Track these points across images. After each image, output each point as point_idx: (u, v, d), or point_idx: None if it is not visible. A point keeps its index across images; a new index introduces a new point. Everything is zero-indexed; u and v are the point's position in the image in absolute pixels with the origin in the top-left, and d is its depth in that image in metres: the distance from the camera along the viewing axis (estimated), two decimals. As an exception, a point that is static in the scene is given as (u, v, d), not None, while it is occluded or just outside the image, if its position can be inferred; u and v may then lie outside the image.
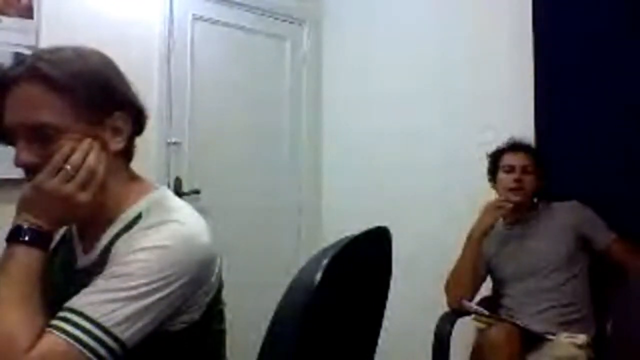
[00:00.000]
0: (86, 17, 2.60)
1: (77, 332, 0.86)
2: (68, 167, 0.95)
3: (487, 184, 2.40)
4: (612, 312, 2.12)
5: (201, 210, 1.05)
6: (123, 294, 0.89)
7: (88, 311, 0.88)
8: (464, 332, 2.26)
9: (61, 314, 0.89)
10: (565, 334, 2.06)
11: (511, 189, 2.27)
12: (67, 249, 1.11)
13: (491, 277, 2.39)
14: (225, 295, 1.09)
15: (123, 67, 1.06)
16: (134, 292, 0.90)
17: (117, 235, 1.00)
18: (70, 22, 2.53)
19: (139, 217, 1.01)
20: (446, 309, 2.29)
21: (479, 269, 2.31)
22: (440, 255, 2.47)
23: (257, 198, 3.23)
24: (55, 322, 0.88)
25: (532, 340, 2.07)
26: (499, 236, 2.36)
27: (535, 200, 2.37)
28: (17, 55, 2.31)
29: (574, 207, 2.26)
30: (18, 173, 1.01)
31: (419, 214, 2.95)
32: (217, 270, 1.03)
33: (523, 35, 2.55)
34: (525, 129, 2.46)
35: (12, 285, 0.90)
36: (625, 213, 2.23)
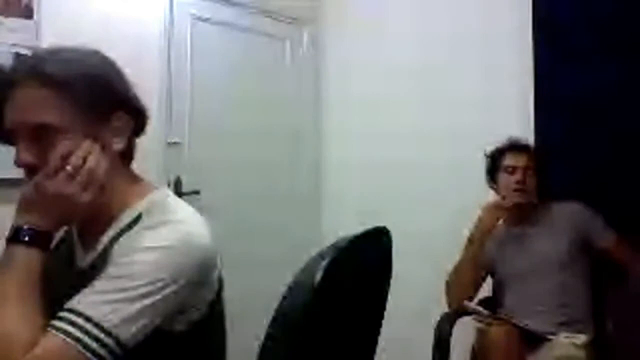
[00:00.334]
0: (86, 17, 2.60)
1: (77, 333, 0.86)
2: (69, 167, 0.95)
3: (485, 185, 2.39)
4: (612, 312, 2.12)
5: (201, 210, 1.05)
6: (123, 295, 0.89)
7: (88, 312, 0.88)
8: (464, 332, 2.26)
9: (61, 314, 0.89)
10: (565, 334, 2.06)
11: (515, 190, 2.26)
12: (67, 249, 1.11)
13: (491, 277, 2.39)
14: (225, 294, 1.09)
15: (123, 66, 1.06)
16: (134, 293, 0.90)
17: (117, 236, 1.00)
18: (70, 22, 2.53)
19: (139, 217, 1.01)
20: (446, 308, 2.29)
21: (479, 270, 2.31)
22: (441, 256, 2.47)
23: (257, 198, 3.23)
24: (55, 322, 0.88)
25: (532, 340, 2.07)
26: (500, 236, 2.35)
27: (535, 200, 2.37)
28: (18, 55, 2.32)
29: (574, 208, 2.26)
30: (18, 173, 1.01)
31: (419, 214, 2.95)
32: (217, 270, 1.03)
33: (525, 41, 2.55)
34: (525, 130, 2.46)
35: (12, 285, 0.90)
36: (625, 213, 2.23)
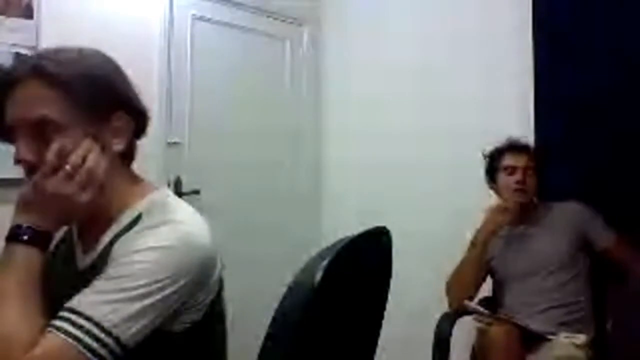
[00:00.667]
0: (86, 17, 2.60)
1: (78, 332, 0.86)
2: (68, 167, 0.95)
3: (486, 185, 2.40)
4: (612, 312, 2.12)
5: (201, 210, 1.05)
6: (123, 295, 0.89)
7: (88, 311, 0.88)
8: (464, 332, 2.26)
9: (61, 314, 0.89)
10: (565, 334, 2.06)
11: (515, 190, 2.26)
12: (67, 249, 1.11)
13: (491, 277, 2.38)
14: (225, 295, 1.09)
15: (123, 67, 1.07)
16: (134, 293, 0.89)
17: (117, 236, 1.00)
18: (70, 22, 2.53)
19: (139, 217, 1.01)
20: (446, 308, 2.29)
21: (481, 270, 2.31)
22: (441, 256, 2.47)
23: (257, 198, 3.23)
24: (55, 322, 0.88)
25: (532, 340, 2.07)
26: (500, 237, 2.35)
27: (535, 200, 2.37)
28: (18, 55, 2.32)
29: (574, 207, 2.26)
30: (18, 173, 1.01)
31: (419, 214, 2.95)
32: (217, 270, 1.03)
33: (525, 41, 2.55)
34: (525, 130, 2.46)
35: (12, 285, 0.90)
36: (625, 213, 2.23)
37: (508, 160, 2.30)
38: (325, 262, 0.94)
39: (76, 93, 0.97)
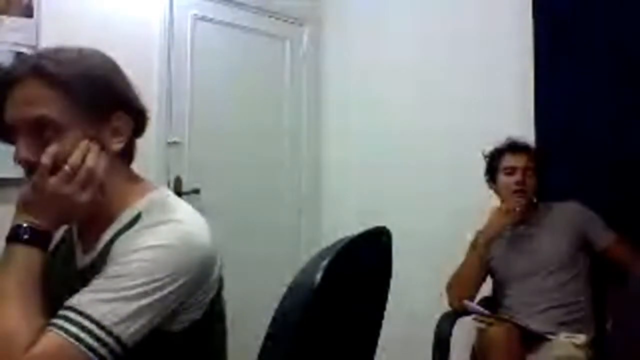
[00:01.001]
0: (86, 17, 2.60)
1: (78, 331, 0.86)
2: (67, 167, 0.95)
3: (485, 185, 2.40)
4: (612, 312, 2.12)
5: (201, 210, 1.05)
6: (123, 293, 0.89)
7: (88, 310, 0.88)
8: (464, 332, 2.26)
9: (61, 312, 0.89)
10: (565, 334, 2.06)
11: (515, 192, 2.26)
12: (67, 249, 1.11)
13: (491, 277, 2.38)
14: (225, 294, 1.09)
15: (123, 66, 1.07)
16: (133, 292, 0.90)
17: (117, 235, 1.00)
18: (70, 21, 2.53)
19: (138, 216, 1.01)
20: (446, 308, 2.29)
21: (482, 271, 2.31)
22: (440, 256, 2.47)
23: (257, 198, 3.23)
24: (55, 320, 0.88)
25: (532, 340, 2.06)
26: (500, 237, 2.35)
27: (535, 200, 2.37)
28: (18, 54, 2.32)
29: (574, 208, 2.26)
30: (18, 172, 1.01)
31: (419, 214, 2.95)
32: (217, 269, 1.03)
33: (525, 42, 2.55)
34: (525, 131, 2.46)
35: (12, 284, 0.90)
36: (625, 213, 2.23)
37: (508, 161, 2.30)
38: (325, 262, 0.94)
39: (76, 93, 0.97)
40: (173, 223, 0.97)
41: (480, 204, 2.33)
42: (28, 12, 2.43)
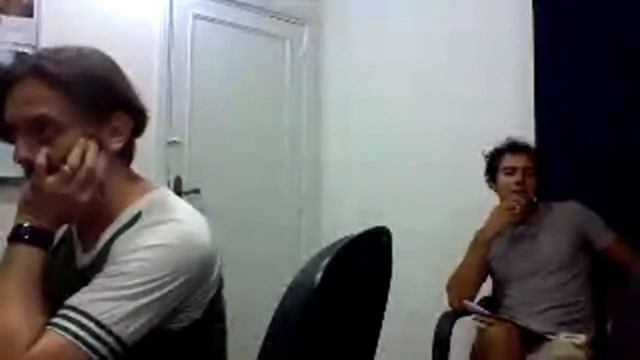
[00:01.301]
0: (86, 16, 2.61)
1: (78, 330, 0.86)
2: (66, 167, 0.95)
3: (485, 185, 2.40)
4: (612, 312, 2.12)
5: (201, 210, 1.05)
6: (123, 292, 0.89)
7: (88, 309, 0.88)
8: (464, 332, 2.26)
9: (61, 311, 0.89)
10: (564, 334, 2.06)
11: (514, 192, 2.26)
12: (67, 248, 1.11)
13: (491, 277, 2.38)
14: (225, 294, 1.09)
15: (123, 66, 1.07)
16: (133, 291, 0.90)
17: (117, 234, 1.00)
18: (70, 20, 2.53)
19: (138, 216, 1.01)
20: (446, 308, 2.29)
21: (482, 270, 2.31)
22: (440, 256, 2.47)
23: (257, 198, 3.23)
24: (55, 319, 0.88)
25: (532, 340, 2.06)
26: (500, 237, 2.35)
27: (535, 200, 2.37)
28: (18, 54, 2.32)
29: (574, 208, 2.26)
30: (18, 171, 1.01)
31: (419, 214, 2.95)
32: (217, 269, 1.03)
33: (525, 42, 2.55)
34: (525, 131, 2.46)
35: (13, 284, 0.91)
36: (625, 213, 2.23)
37: (507, 161, 2.30)
38: (325, 262, 0.94)
39: (75, 92, 0.97)
40: (173, 222, 0.97)
41: (480, 204, 2.32)
42: (28, 12, 2.43)
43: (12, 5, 2.40)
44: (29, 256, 0.93)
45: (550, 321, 2.12)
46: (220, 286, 1.06)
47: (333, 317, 1.01)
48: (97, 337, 0.87)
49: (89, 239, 1.05)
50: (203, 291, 1.00)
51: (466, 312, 2.23)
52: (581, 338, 2.03)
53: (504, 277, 2.31)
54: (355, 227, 1.12)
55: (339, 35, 3.47)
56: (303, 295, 0.93)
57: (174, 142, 2.90)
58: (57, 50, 1.00)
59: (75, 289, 0.92)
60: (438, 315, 2.25)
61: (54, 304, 0.91)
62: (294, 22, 3.47)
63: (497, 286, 2.37)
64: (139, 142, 1.10)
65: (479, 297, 2.35)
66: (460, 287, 2.28)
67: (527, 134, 2.45)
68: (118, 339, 0.88)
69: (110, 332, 0.87)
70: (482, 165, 2.41)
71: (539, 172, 2.30)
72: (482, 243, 2.26)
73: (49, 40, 2.25)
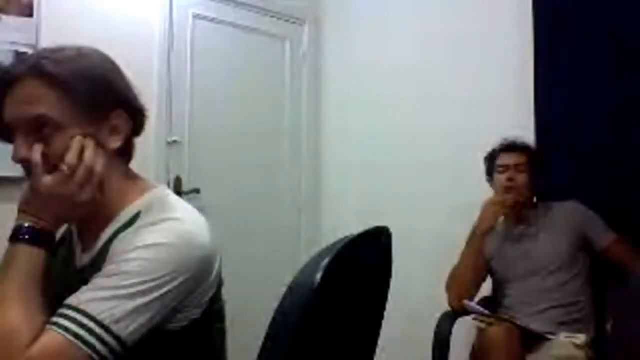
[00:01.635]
0: (86, 16, 2.61)
1: (77, 329, 0.86)
2: (65, 167, 0.95)
3: (487, 184, 2.40)
4: (612, 312, 2.12)
5: (201, 210, 1.05)
6: (122, 292, 0.89)
7: (88, 308, 0.88)
8: (464, 332, 2.26)
9: (61, 311, 0.89)
10: (564, 334, 2.06)
11: (506, 187, 2.29)
12: (66, 248, 1.11)
13: (491, 277, 2.39)
14: (225, 294, 1.09)
15: (123, 66, 1.07)
16: (133, 290, 0.90)
17: (116, 234, 1.00)
18: (70, 20, 2.53)
19: (138, 215, 1.01)
20: (446, 308, 2.29)
21: (480, 268, 2.32)
22: (441, 255, 2.47)
23: (257, 198, 3.23)
24: (55, 319, 0.88)
25: (532, 340, 2.06)
26: (500, 237, 2.36)
27: (535, 200, 2.37)
28: (18, 53, 2.32)
29: (574, 207, 2.26)
30: (18, 171, 1.01)
31: (419, 214, 2.95)
32: (217, 268, 1.03)
33: (525, 42, 2.55)
34: (525, 131, 2.46)
35: (14, 284, 0.91)
36: (625, 213, 2.23)
37: (500, 160, 2.35)
38: (325, 262, 0.94)
39: (75, 92, 0.97)
40: (172, 222, 0.97)
41: (480, 204, 2.32)
42: (28, 12, 2.43)
43: (12, 5, 2.40)
44: (30, 256, 0.93)
45: (550, 321, 2.12)
46: (219, 286, 1.06)
47: (333, 317, 1.01)
48: (97, 337, 0.87)
49: (88, 239, 1.05)
50: (203, 291, 1.00)
51: (466, 312, 2.23)
52: (581, 338, 2.03)
53: (504, 277, 2.32)
54: (355, 227, 1.12)
55: (339, 35, 3.47)
56: (303, 295, 0.93)
57: (174, 142, 2.90)
58: (57, 50, 1.00)
59: (75, 289, 0.91)
60: (438, 315, 2.25)
61: (53, 303, 0.91)
62: (294, 22, 3.47)
63: (497, 286, 2.37)
64: (139, 142, 1.10)
65: (479, 297, 2.35)
66: (459, 287, 2.29)
67: (527, 134, 2.46)
68: (118, 338, 0.88)
69: (110, 332, 0.87)
70: (482, 165, 2.42)
71: (536, 170, 2.31)
72: (475, 239, 2.27)
73: (49, 40, 2.25)
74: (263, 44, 3.33)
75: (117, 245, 0.97)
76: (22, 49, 2.34)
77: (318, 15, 3.54)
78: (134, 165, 1.10)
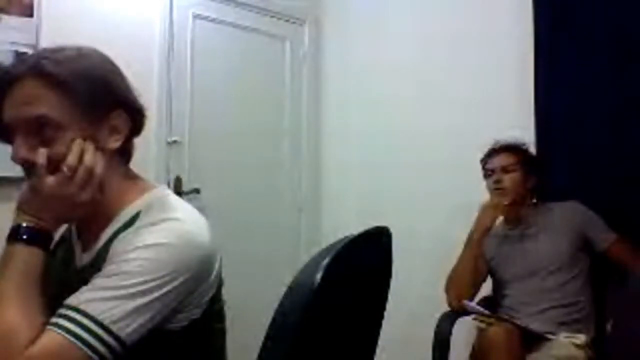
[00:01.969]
0: (86, 16, 2.60)
1: (77, 329, 0.86)
2: (65, 168, 0.95)
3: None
4: (612, 312, 2.12)
5: (201, 210, 1.05)
6: (122, 292, 0.89)
7: (87, 308, 0.88)
8: (464, 332, 2.26)
9: (60, 311, 0.89)
10: (564, 334, 2.06)
11: (494, 190, 2.30)
12: (66, 248, 1.11)
13: (491, 277, 2.39)
14: (225, 294, 1.09)
15: (123, 66, 1.07)
16: (132, 290, 0.90)
17: (116, 234, 1.00)
18: (70, 20, 2.53)
19: (137, 215, 1.01)
20: (446, 308, 2.29)
21: (479, 269, 2.32)
22: (441, 255, 2.47)
23: (257, 198, 3.23)
24: (54, 319, 0.88)
25: (532, 340, 2.06)
26: (500, 237, 2.36)
27: (535, 200, 2.37)
28: (17, 53, 2.32)
29: (574, 208, 2.26)
30: (18, 171, 1.01)
31: (419, 214, 2.95)
32: (217, 268, 1.03)
33: (525, 42, 2.55)
34: (525, 131, 2.46)
35: (12, 284, 0.91)
36: (625, 213, 2.23)
37: (488, 164, 2.37)
38: (325, 262, 0.94)
39: (75, 92, 0.97)
40: (172, 222, 0.97)
41: (479, 204, 2.33)
42: (28, 12, 2.43)
43: (12, 5, 2.40)
44: (28, 256, 0.93)
45: (550, 321, 2.12)
46: (219, 286, 1.06)
47: (333, 317, 1.01)
48: (97, 337, 0.87)
49: (88, 239, 1.06)
50: (203, 291, 1.00)
51: (466, 312, 2.23)
52: (581, 338, 2.03)
53: (503, 277, 2.32)
54: (355, 227, 1.12)
55: (339, 35, 3.47)
56: (303, 295, 0.93)
57: (174, 142, 2.90)
58: (57, 50, 1.00)
59: (74, 289, 0.92)
60: (438, 315, 2.25)
61: (53, 303, 0.91)
62: (294, 22, 3.47)
63: (497, 286, 2.37)
64: (139, 142, 1.10)
65: (478, 297, 2.35)
66: (458, 287, 2.29)
67: (527, 134, 2.46)
68: (117, 338, 0.88)
69: (109, 332, 0.87)
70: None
71: (530, 169, 2.31)
72: (473, 241, 2.28)
73: (49, 40, 2.25)
74: (263, 44, 3.32)
75: (117, 245, 0.97)
76: (22, 49, 2.33)
77: (318, 15, 3.54)
78: (134, 165, 1.10)
